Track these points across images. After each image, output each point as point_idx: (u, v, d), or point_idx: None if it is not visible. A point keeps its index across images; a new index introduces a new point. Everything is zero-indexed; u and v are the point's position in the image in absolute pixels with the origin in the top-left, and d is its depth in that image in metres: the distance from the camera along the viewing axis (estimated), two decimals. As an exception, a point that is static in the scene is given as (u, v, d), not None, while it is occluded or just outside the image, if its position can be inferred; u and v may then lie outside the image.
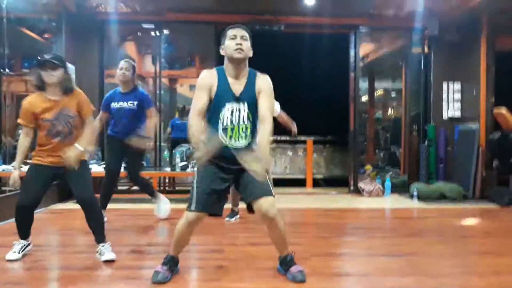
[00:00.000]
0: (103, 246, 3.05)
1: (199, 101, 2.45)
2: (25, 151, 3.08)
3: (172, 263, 2.65)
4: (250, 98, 2.49)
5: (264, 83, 2.52)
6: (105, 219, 3.66)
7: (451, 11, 6.49)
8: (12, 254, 3.05)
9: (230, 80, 2.50)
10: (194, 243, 3.57)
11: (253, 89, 2.50)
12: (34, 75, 2.96)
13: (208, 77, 2.49)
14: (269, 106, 2.49)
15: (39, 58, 2.91)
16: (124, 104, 4.18)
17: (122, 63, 4.22)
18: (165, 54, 7.91)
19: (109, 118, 4.32)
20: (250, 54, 2.52)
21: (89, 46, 6.63)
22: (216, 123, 2.48)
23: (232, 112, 2.47)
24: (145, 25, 7.20)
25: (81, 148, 2.98)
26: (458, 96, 6.97)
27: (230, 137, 2.48)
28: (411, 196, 6.45)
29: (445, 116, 7.07)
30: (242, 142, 2.50)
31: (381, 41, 9.11)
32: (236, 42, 2.43)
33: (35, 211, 3.12)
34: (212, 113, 2.50)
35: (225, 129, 2.48)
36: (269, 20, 6.88)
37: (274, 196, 2.48)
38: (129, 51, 9.21)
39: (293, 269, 2.63)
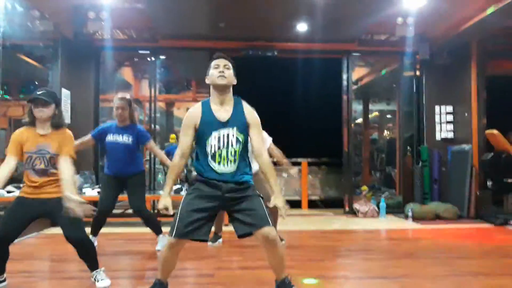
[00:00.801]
0: (97, 272, 3.02)
1: (183, 143, 2.60)
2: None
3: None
4: (239, 123, 2.57)
5: (253, 116, 2.63)
6: (95, 243, 3.64)
7: (442, 35, 6.63)
8: None
9: (215, 107, 2.58)
10: (185, 267, 3.57)
11: (242, 116, 2.58)
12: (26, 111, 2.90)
13: (190, 115, 2.59)
14: (261, 140, 2.65)
15: (32, 95, 2.86)
16: (119, 138, 4.02)
17: (118, 102, 4.01)
18: (161, 79, 8.02)
19: (104, 153, 4.03)
20: (234, 82, 2.63)
21: (85, 71, 6.73)
22: (204, 151, 2.55)
23: (219, 138, 2.53)
24: (141, 51, 7.33)
25: (75, 197, 2.71)
26: (450, 118, 7.06)
27: (219, 162, 2.53)
28: (406, 217, 6.45)
29: (438, 137, 7.15)
30: (230, 167, 2.54)
31: (373, 65, 9.28)
32: (219, 70, 2.56)
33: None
34: (199, 142, 2.58)
35: (213, 156, 2.53)
36: (263, 46, 7.02)
37: (271, 225, 2.54)
38: (125, 76, 9.34)
39: None
